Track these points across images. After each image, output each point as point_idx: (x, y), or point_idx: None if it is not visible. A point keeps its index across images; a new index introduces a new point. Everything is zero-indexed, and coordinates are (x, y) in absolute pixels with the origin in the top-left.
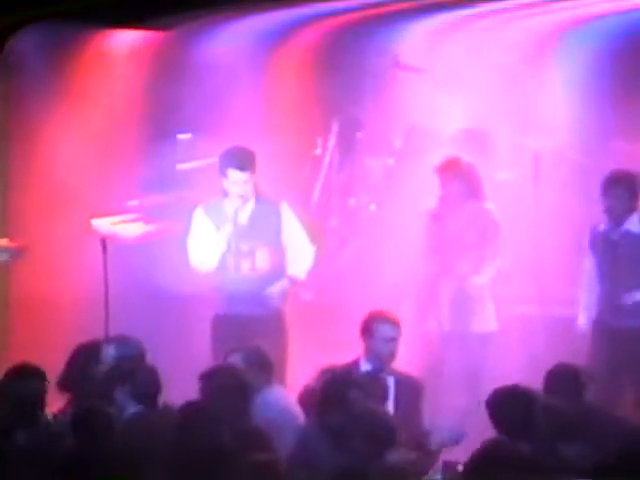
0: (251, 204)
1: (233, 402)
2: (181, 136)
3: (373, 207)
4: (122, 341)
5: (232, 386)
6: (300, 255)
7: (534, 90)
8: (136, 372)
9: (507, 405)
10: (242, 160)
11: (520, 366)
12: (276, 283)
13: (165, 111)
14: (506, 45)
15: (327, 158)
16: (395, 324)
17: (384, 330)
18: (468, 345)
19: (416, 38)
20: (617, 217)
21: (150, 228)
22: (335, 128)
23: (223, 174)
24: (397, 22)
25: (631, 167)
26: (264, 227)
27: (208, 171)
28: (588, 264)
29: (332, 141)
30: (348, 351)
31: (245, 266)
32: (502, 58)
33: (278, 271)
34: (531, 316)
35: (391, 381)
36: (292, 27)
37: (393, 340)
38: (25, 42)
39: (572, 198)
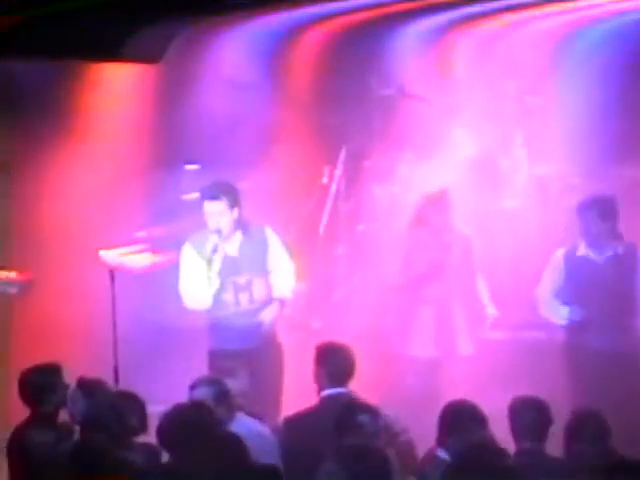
0: (238, 236)
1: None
2: (188, 167)
3: (381, 234)
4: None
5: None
6: (283, 275)
7: (539, 116)
8: None
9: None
10: (215, 191)
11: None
12: (266, 309)
13: (171, 141)
14: (510, 70)
15: (334, 186)
16: None
17: None
18: (448, 369)
19: (422, 66)
20: (599, 240)
21: (157, 259)
22: (342, 156)
23: (202, 207)
24: (403, 49)
25: (636, 192)
26: (255, 256)
27: None
28: (558, 287)
29: (339, 170)
30: (355, 379)
31: (244, 299)
32: (506, 84)
33: (271, 299)
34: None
35: None
36: (296, 53)
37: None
38: (28, 74)
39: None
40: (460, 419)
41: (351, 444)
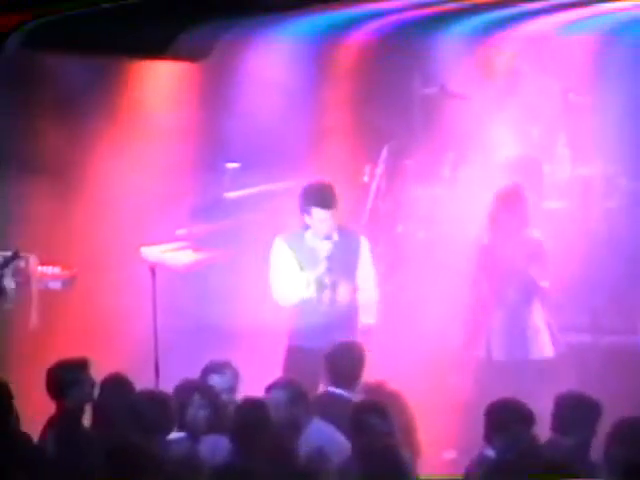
0: (334, 236)
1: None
2: (229, 165)
3: (421, 234)
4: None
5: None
6: (370, 299)
7: (583, 115)
8: None
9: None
10: (326, 198)
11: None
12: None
13: (213, 140)
14: (554, 69)
15: (374, 185)
16: None
17: None
18: (522, 372)
19: (465, 65)
20: None
21: (198, 256)
22: (384, 155)
23: (306, 212)
24: (446, 49)
25: None
26: (345, 260)
27: (256, 199)
28: None
29: (380, 168)
30: (395, 378)
31: (326, 298)
32: (551, 83)
33: (354, 305)
34: (583, 344)
35: None
36: (339, 52)
37: None
38: (73, 72)
39: (624, 225)
40: (506, 417)
41: (363, 444)
